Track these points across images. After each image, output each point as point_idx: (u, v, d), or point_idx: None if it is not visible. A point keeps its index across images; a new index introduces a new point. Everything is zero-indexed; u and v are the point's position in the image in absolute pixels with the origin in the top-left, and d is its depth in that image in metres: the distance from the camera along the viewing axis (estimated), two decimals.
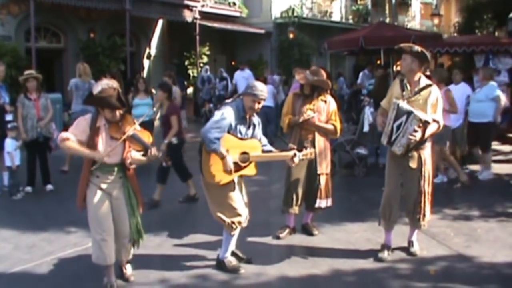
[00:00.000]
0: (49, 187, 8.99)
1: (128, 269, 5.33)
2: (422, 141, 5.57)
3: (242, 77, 16.00)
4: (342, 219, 7.18)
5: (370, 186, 8.96)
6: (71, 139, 4.73)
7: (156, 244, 6.20)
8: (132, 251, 5.30)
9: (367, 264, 5.69)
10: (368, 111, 9.78)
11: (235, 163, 5.28)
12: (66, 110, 15.03)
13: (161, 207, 7.73)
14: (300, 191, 6.34)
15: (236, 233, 5.46)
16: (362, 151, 9.94)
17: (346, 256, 5.88)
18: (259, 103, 5.33)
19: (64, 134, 4.76)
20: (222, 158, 5.21)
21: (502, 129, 12.27)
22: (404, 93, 5.65)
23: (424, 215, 5.80)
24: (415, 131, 5.39)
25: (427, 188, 5.76)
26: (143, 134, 4.93)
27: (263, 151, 5.54)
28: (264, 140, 5.64)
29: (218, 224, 5.56)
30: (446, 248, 6.13)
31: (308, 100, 6.30)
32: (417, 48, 5.62)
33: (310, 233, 6.59)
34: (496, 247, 6.13)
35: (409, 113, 5.42)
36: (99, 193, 4.88)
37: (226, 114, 5.27)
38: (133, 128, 4.85)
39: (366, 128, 9.79)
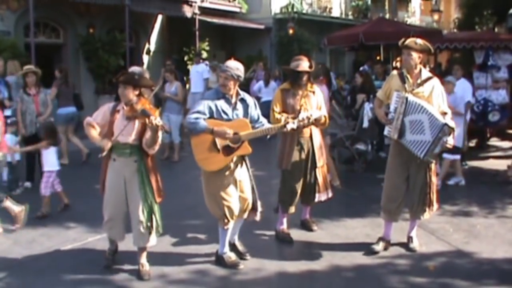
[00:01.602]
0: None
1: (145, 266, 5.33)
2: None
3: (196, 72, 14.99)
4: (341, 214, 7.18)
5: (369, 181, 8.97)
6: (93, 124, 5.17)
7: (159, 238, 6.19)
8: (154, 240, 5.34)
9: (367, 259, 5.69)
10: (367, 106, 9.77)
11: (227, 146, 5.24)
12: None
13: (164, 201, 7.70)
14: (298, 189, 6.26)
15: (230, 227, 5.44)
16: (361, 146, 9.94)
17: (345, 252, 5.88)
18: (226, 78, 5.27)
19: (88, 119, 5.20)
20: (211, 132, 5.17)
21: (502, 126, 12.27)
22: (406, 85, 5.67)
23: (431, 205, 5.84)
24: (447, 141, 5.44)
25: (434, 178, 5.83)
26: (151, 110, 4.97)
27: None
28: (263, 120, 5.55)
29: (217, 220, 5.60)
30: (445, 244, 6.14)
31: (298, 93, 6.14)
32: (420, 41, 5.68)
33: (310, 229, 6.59)
34: (495, 243, 6.14)
35: (443, 124, 5.39)
36: (114, 177, 5.17)
37: (203, 99, 5.43)
38: (143, 105, 4.95)
39: (365, 124, 9.78)
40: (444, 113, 5.59)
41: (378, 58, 17.64)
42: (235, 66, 5.34)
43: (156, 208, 5.28)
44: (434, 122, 5.41)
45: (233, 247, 5.76)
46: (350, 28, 18.26)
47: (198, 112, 5.24)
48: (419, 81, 5.68)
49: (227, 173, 5.33)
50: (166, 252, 5.92)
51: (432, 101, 5.61)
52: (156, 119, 4.83)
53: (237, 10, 22.37)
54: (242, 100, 5.44)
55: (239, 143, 5.26)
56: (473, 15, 20.33)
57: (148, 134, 5.04)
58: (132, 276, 5.26)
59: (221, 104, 5.31)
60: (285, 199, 6.30)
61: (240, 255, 5.68)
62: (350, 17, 26.68)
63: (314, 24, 23.44)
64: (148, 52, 19.62)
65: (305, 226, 6.65)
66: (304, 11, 23.49)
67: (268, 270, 5.43)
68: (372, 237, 6.25)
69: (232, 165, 5.36)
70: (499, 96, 11.91)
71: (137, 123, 5.07)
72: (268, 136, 6.09)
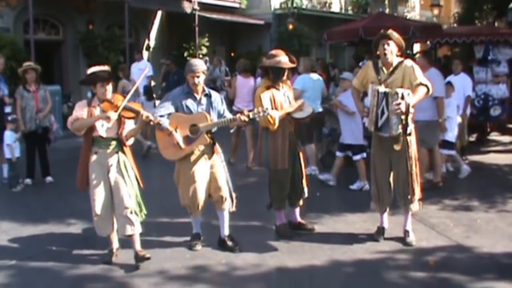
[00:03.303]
0: (49, 179, 8.99)
1: (142, 251, 5.38)
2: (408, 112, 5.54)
3: (139, 69, 13.99)
4: (341, 209, 7.18)
5: (369, 176, 8.95)
6: (80, 116, 5.20)
7: (156, 234, 6.20)
8: (139, 227, 5.38)
9: (367, 254, 5.69)
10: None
11: (187, 136, 5.53)
12: (66, 102, 15.05)
13: (162, 197, 7.72)
14: (288, 185, 6.20)
15: (199, 215, 5.76)
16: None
17: (345, 247, 5.89)
18: (198, 77, 5.57)
19: (72, 117, 5.22)
20: (169, 134, 5.48)
21: (502, 120, 12.27)
22: (379, 76, 5.75)
23: (414, 194, 5.87)
24: (398, 104, 5.41)
25: (415, 168, 5.86)
26: (134, 104, 5.41)
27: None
28: (228, 115, 5.79)
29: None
30: (446, 239, 6.14)
31: (280, 89, 6.10)
32: (397, 34, 5.83)
33: (308, 229, 6.38)
34: (495, 238, 6.14)
35: (385, 94, 5.55)
36: (98, 170, 5.30)
37: (168, 95, 5.82)
38: (126, 100, 5.29)
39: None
40: (420, 84, 5.58)
41: (378, 52, 17.60)
42: (200, 62, 5.72)
43: (140, 195, 5.46)
44: (386, 97, 5.53)
45: (222, 243, 5.79)
46: (350, 23, 18.22)
47: (163, 107, 5.59)
48: (391, 69, 5.77)
49: (196, 164, 5.59)
50: (166, 248, 5.91)
51: (406, 83, 5.66)
52: (145, 113, 5.23)
53: (237, 5, 22.35)
54: (207, 96, 5.72)
55: (198, 134, 5.53)
56: (473, 10, 20.32)
57: (131, 126, 5.40)
58: (132, 273, 5.26)
59: (187, 100, 5.63)
60: (278, 197, 6.21)
61: (231, 250, 5.70)
62: (350, 12, 26.67)
63: (314, 19, 23.43)
64: (147, 48, 19.60)
65: (302, 228, 6.39)
66: (303, 6, 23.48)
67: (268, 265, 5.43)
68: (373, 232, 6.25)
69: (201, 157, 5.62)
70: (499, 90, 11.90)
71: (118, 120, 5.28)
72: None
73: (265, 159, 6.19)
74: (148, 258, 5.33)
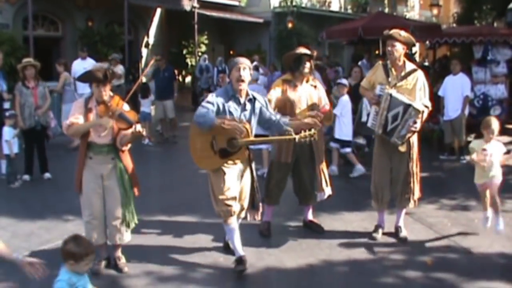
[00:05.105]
0: (47, 175, 8.98)
1: (122, 258, 5.32)
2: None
3: (84, 68, 12.11)
4: (339, 208, 7.19)
5: (367, 175, 8.95)
6: (75, 121, 4.96)
7: (153, 232, 6.20)
8: (129, 236, 5.28)
9: (364, 253, 5.71)
10: (366, 101, 9.73)
11: (224, 149, 5.10)
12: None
13: (160, 195, 7.72)
14: (285, 183, 6.18)
15: (234, 225, 5.28)
16: (359, 140, 9.93)
17: (343, 246, 5.90)
18: (244, 69, 5.11)
19: (67, 122, 5.01)
20: (222, 123, 4.95)
21: (500, 120, 12.28)
22: (389, 78, 5.74)
23: (413, 194, 5.95)
24: (415, 122, 5.50)
25: (416, 169, 5.93)
26: (129, 113, 5.04)
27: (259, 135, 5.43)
28: (276, 116, 5.41)
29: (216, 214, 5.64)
30: (443, 238, 6.16)
31: (299, 86, 5.99)
32: (404, 33, 5.78)
33: (317, 231, 6.33)
34: (492, 238, 6.14)
35: (408, 105, 5.51)
36: (91, 175, 5.08)
37: (212, 95, 5.25)
38: (121, 107, 5.00)
39: (364, 118, 9.74)
40: (424, 106, 5.72)
41: (377, 52, 17.61)
42: (245, 59, 5.27)
43: (133, 203, 5.22)
44: (405, 107, 5.54)
45: (227, 246, 5.65)
46: (349, 22, 18.24)
47: (210, 103, 5.07)
48: (403, 73, 5.74)
49: (229, 172, 5.18)
50: (163, 246, 5.91)
51: (415, 93, 5.71)
52: (139, 127, 4.84)
53: (236, 3, 22.34)
54: (251, 101, 5.27)
55: (235, 149, 5.13)
56: (472, 10, 20.29)
57: (124, 135, 5.01)
58: (127, 271, 5.24)
59: (230, 103, 5.15)
60: (270, 192, 6.17)
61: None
62: (349, 11, 26.66)
63: (313, 18, 23.41)
64: (146, 46, 19.60)
65: (311, 228, 6.41)
66: (303, 5, 23.45)
67: (265, 263, 5.44)
68: (370, 230, 6.26)
69: (236, 165, 5.25)
70: (498, 91, 11.93)
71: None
72: (270, 148, 6.00)
73: (271, 150, 6.18)
74: (121, 270, 5.21)
